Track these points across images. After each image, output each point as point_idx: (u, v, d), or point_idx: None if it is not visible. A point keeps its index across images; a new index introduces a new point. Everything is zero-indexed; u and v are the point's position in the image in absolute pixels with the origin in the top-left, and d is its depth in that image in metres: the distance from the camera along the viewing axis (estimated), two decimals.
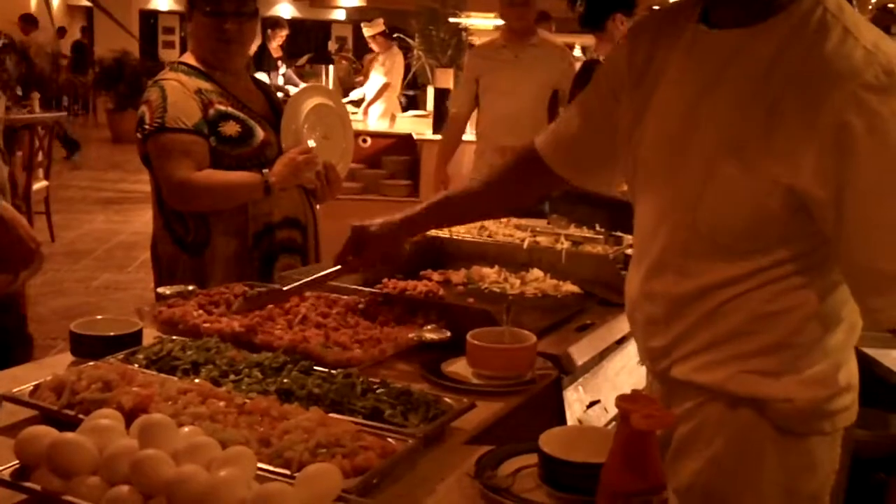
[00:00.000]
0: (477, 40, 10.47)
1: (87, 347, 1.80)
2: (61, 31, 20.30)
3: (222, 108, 2.59)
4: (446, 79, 6.84)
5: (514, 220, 2.88)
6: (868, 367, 1.78)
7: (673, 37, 1.56)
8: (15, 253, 1.77)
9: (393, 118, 8.10)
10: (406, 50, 8.99)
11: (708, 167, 1.45)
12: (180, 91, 2.56)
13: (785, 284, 1.46)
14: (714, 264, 1.48)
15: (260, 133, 2.62)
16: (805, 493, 1.53)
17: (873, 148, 1.31)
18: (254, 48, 8.89)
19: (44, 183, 7.62)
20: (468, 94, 4.70)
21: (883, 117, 1.30)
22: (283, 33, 10.13)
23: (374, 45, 8.98)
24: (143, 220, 8.26)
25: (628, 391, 1.18)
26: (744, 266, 1.46)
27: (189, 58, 2.69)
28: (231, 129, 2.57)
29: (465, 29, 8.60)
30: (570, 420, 1.96)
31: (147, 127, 2.55)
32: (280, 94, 3.36)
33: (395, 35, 9.12)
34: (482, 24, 9.70)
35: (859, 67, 1.32)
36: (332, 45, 15.77)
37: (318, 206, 2.84)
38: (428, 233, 2.78)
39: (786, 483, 1.52)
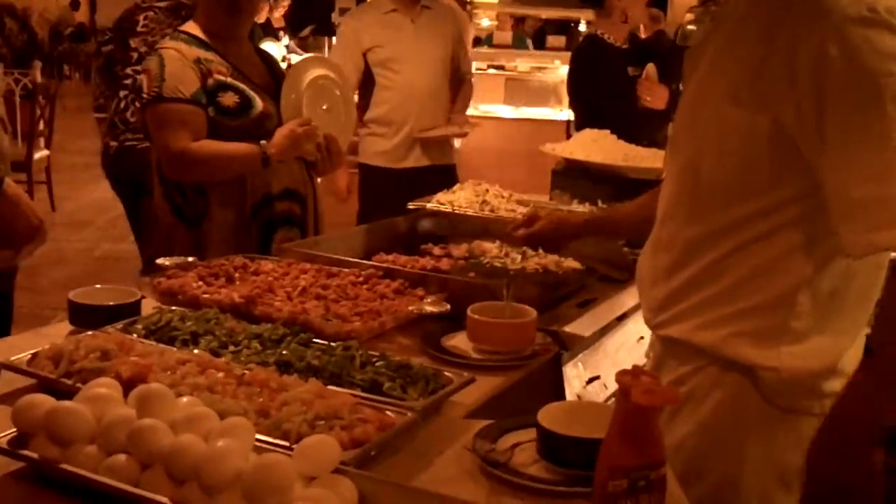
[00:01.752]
0: (482, 14, 10.41)
1: (85, 317, 1.79)
2: (75, 4, 20.12)
3: (221, 78, 2.56)
4: None
5: (517, 196, 2.87)
6: None
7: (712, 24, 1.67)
8: (18, 228, 1.78)
9: None
10: None
11: (713, 116, 1.51)
12: (179, 60, 2.53)
13: (783, 243, 1.47)
14: (715, 209, 1.52)
15: (259, 104, 2.59)
16: (791, 468, 1.52)
17: (849, 78, 1.34)
18: (263, 16, 8.82)
19: (45, 152, 7.61)
20: (355, 68, 3.82)
21: (860, 49, 1.33)
22: (286, 3, 10.03)
23: None
24: None
25: (628, 367, 1.18)
26: (741, 210, 1.48)
27: (192, 27, 2.65)
28: (229, 99, 2.55)
29: (470, 2, 8.54)
30: (570, 395, 1.95)
31: (145, 96, 2.53)
32: (284, 66, 3.33)
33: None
34: None
35: (844, 4, 1.36)
36: (335, 17, 15.64)
37: (318, 179, 2.83)
38: (430, 206, 2.78)
39: (770, 456, 1.52)
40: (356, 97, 3.86)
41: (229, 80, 2.57)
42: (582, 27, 8.72)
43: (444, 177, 3.72)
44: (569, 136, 4.14)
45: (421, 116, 3.86)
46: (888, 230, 1.34)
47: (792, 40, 1.39)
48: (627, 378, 1.12)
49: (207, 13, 2.63)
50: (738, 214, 1.49)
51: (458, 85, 4.01)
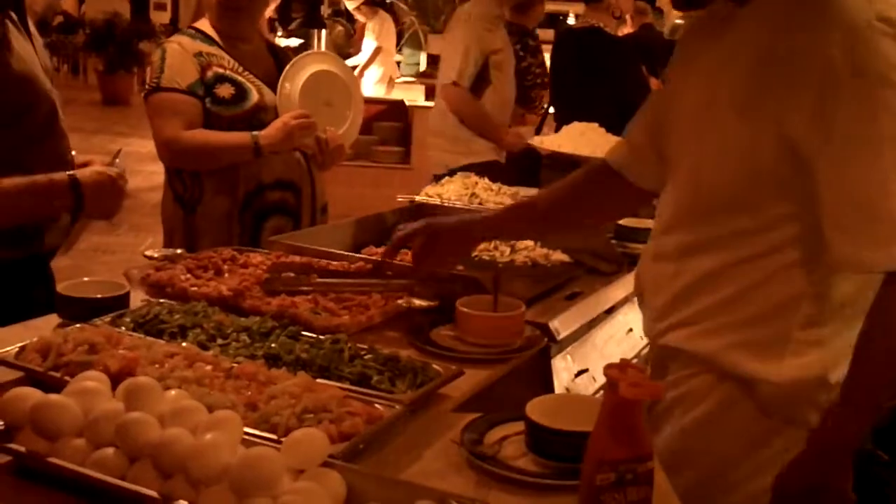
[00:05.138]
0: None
1: (73, 310, 1.79)
2: None
3: (220, 70, 2.65)
4: (440, 45, 6.80)
5: (505, 188, 2.87)
6: None
7: (706, 23, 1.62)
8: (106, 203, 2.23)
9: (391, 82, 8.06)
10: (395, 14, 8.96)
11: (714, 127, 1.50)
12: (179, 53, 2.64)
13: (786, 255, 1.46)
14: (715, 218, 1.51)
15: (254, 96, 2.66)
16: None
17: (854, 85, 1.32)
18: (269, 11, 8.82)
19: None
20: (476, 70, 4.13)
21: (866, 56, 1.32)
22: None
23: (359, 16, 8.91)
24: (132, 183, 8.19)
25: (616, 360, 1.18)
26: (741, 222, 1.48)
27: (202, 24, 2.76)
28: (225, 91, 2.62)
29: None
30: (558, 388, 1.96)
31: (147, 86, 2.66)
32: None
33: (388, 0, 9.06)
34: None
35: (852, 12, 1.35)
36: (325, 10, 15.62)
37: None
38: (418, 199, 2.78)
39: (760, 465, 1.50)
40: None
41: (228, 72, 2.66)
42: (570, 20, 8.71)
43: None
44: (539, 130, 4.17)
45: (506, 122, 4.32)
46: (875, 250, 1.33)
47: (795, 48, 1.38)
48: (615, 371, 1.12)
49: (213, 13, 2.73)
50: (738, 226, 1.48)
51: None
